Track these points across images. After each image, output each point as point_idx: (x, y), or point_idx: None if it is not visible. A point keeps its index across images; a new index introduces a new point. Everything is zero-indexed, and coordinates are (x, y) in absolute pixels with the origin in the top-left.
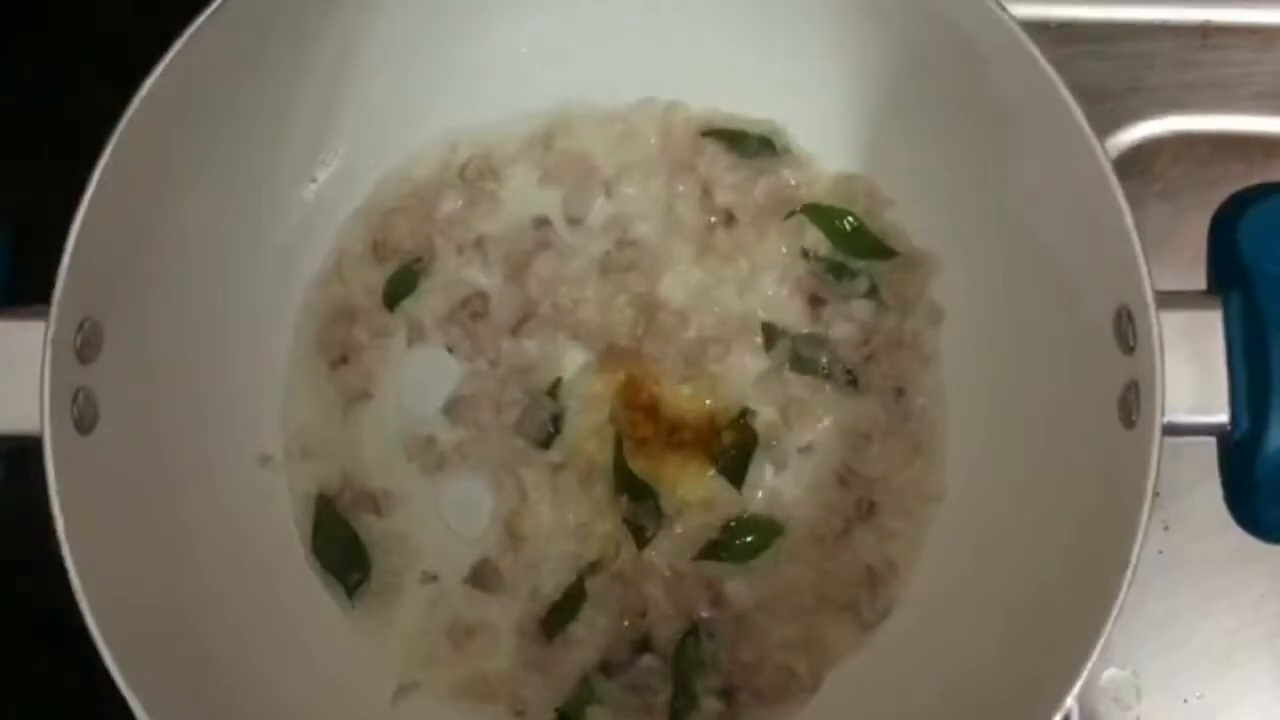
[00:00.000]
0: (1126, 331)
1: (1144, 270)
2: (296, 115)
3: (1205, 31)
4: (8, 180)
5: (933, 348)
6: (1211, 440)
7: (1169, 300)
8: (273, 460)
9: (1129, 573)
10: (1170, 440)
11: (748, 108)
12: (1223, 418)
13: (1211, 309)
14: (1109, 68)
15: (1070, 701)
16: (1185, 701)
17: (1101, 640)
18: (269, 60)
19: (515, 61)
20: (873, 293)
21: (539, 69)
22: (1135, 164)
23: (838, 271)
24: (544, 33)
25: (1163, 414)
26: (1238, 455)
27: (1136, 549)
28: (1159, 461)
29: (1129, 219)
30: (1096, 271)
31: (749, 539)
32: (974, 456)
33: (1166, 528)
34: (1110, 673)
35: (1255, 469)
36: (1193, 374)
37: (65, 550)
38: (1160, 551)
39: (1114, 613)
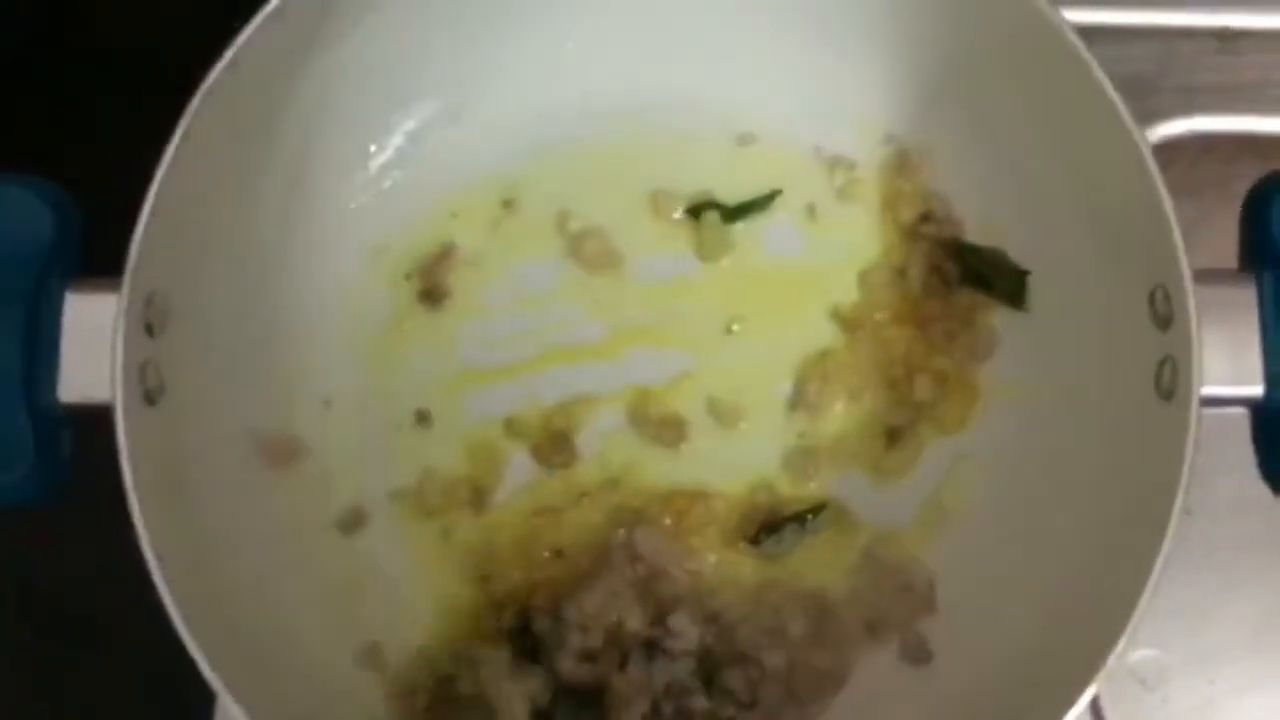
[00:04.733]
0: (1162, 308)
1: (1181, 250)
2: (361, 87)
3: (1223, 35)
4: (83, 153)
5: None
6: (1234, 429)
7: (1204, 278)
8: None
9: (1169, 536)
10: None
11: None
12: (1258, 390)
13: (1245, 286)
14: (1128, 70)
15: (1105, 672)
16: (1211, 683)
17: (1141, 608)
18: (343, 26)
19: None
20: None
21: None
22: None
23: None
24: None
25: (1200, 385)
26: (1272, 425)
27: (1175, 512)
28: (1198, 430)
29: (1167, 202)
30: (1132, 252)
31: None
32: (1008, 439)
33: (1190, 513)
34: (1136, 655)
35: None
36: (1227, 348)
37: (136, 514)
38: (1184, 536)
39: (1153, 579)
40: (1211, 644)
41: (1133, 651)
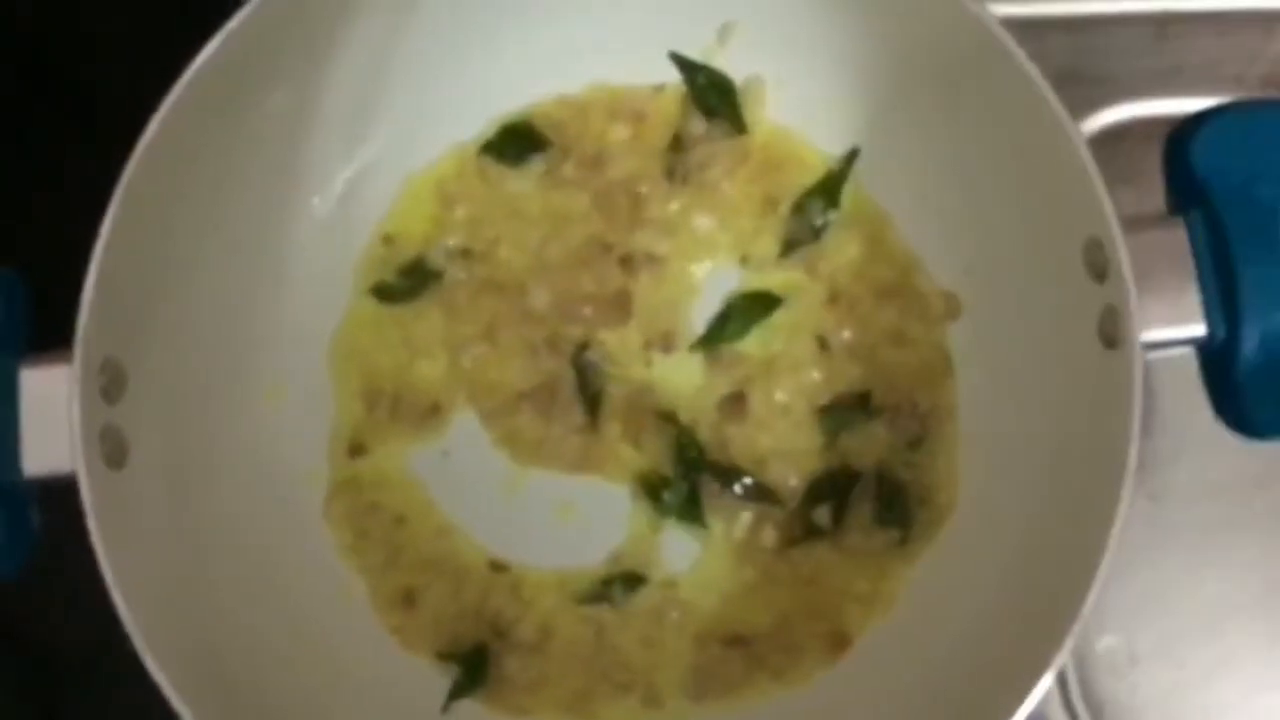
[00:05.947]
0: (1097, 260)
1: (1106, 199)
2: (309, 136)
3: (1165, 20)
4: (24, 228)
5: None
6: (1195, 412)
7: (1134, 224)
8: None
9: (1126, 487)
10: (1153, 417)
11: None
12: (1199, 329)
13: (1175, 228)
14: (1069, 59)
15: (1069, 646)
16: (1180, 668)
17: (1101, 572)
18: (286, 79)
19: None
20: None
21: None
22: (1101, 151)
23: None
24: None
25: (1141, 330)
26: (1218, 361)
27: (1129, 467)
28: (1143, 377)
29: (1086, 155)
30: (1062, 210)
31: None
32: (964, 410)
33: (1153, 499)
34: (1104, 642)
35: (1236, 371)
36: (1165, 291)
37: (109, 581)
38: (1149, 522)
39: (1115, 531)
40: (1178, 629)
41: (1100, 639)
